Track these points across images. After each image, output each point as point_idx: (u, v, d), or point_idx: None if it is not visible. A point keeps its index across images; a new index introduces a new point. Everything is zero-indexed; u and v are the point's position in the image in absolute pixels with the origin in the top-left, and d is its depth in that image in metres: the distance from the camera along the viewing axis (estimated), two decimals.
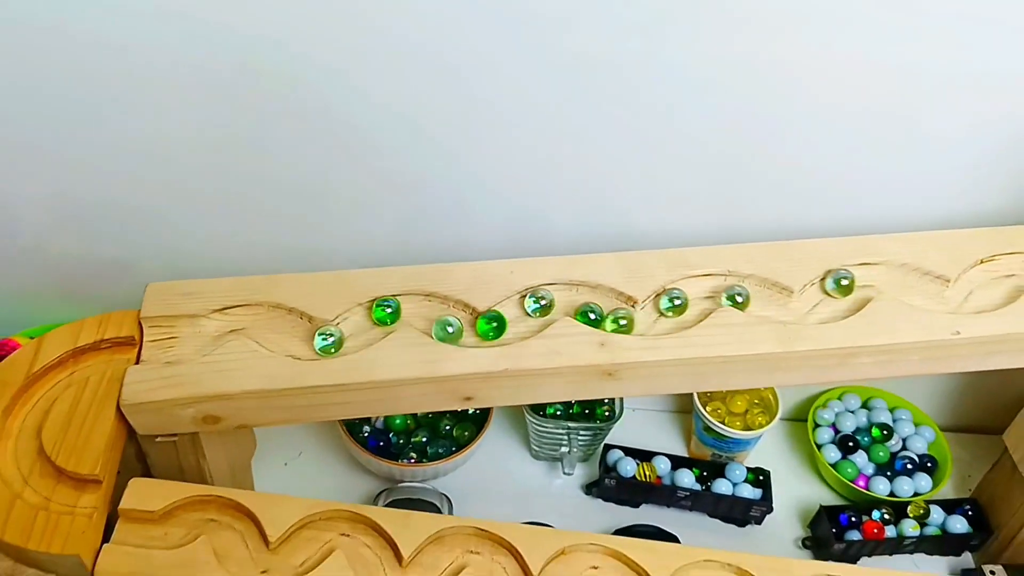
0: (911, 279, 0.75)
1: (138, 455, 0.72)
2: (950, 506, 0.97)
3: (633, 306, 0.73)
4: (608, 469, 0.98)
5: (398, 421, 0.95)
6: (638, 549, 0.68)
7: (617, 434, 0.99)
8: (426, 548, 0.67)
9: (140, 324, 0.71)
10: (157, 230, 0.93)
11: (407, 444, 0.95)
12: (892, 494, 0.99)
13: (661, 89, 0.77)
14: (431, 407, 0.71)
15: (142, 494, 0.65)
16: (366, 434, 0.95)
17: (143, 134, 0.84)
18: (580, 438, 0.97)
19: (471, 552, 0.67)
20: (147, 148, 0.86)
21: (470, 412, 0.98)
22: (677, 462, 0.99)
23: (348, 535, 0.67)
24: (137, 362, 0.69)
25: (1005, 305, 0.72)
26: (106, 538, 0.64)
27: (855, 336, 0.70)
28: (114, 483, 0.66)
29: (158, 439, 0.69)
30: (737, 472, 0.98)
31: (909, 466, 1.00)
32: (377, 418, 0.95)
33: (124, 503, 0.65)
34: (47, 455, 0.64)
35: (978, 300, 0.73)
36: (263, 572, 0.64)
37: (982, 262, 0.76)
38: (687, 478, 0.97)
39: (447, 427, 0.96)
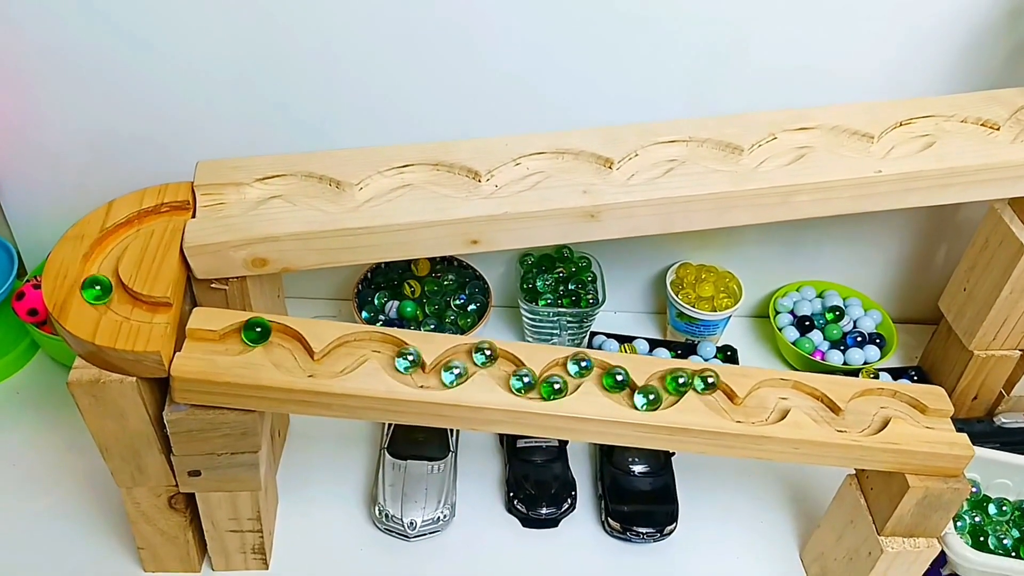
0: (842, 138, 0.87)
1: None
2: (897, 373, 1.10)
3: (610, 167, 0.86)
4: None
5: (409, 310, 1.07)
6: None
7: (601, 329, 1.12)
8: (450, 356, 0.79)
9: (193, 191, 0.83)
10: (188, 161, 1.05)
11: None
12: (845, 363, 1.12)
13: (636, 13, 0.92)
14: (443, 250, 0.83)
15: (205, 318, 0.77)
16: (381, 323, 1.07)
17: (175, 72, 0.97)
18: (569, 324, 1.10)
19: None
20: (178, 85, 0.99)
21: (471, 307, 1.10)
22: (655, 344, 1.12)
23: (379, 351, 0.79)
24: (194, 218, 0.81)
25: (919, 152, 0.86)
26: None
27: (795, 176, 0.83)
28: (179, 313, 0.78)
29: (212, 284, 0.81)
30: (708, 348, 1.10)
31: (859, 339, 1.13)
32: (391, 309, 1.08)
33: (190, 325, 0.76)
34: (125, 284, 0.76)
35: (898, 152, 0.87)
36: (310, 376, 0.75)
37: (901, 124, 0.89)
38: (664, 355, 1.10)
39: (452, 317, 1.09)
